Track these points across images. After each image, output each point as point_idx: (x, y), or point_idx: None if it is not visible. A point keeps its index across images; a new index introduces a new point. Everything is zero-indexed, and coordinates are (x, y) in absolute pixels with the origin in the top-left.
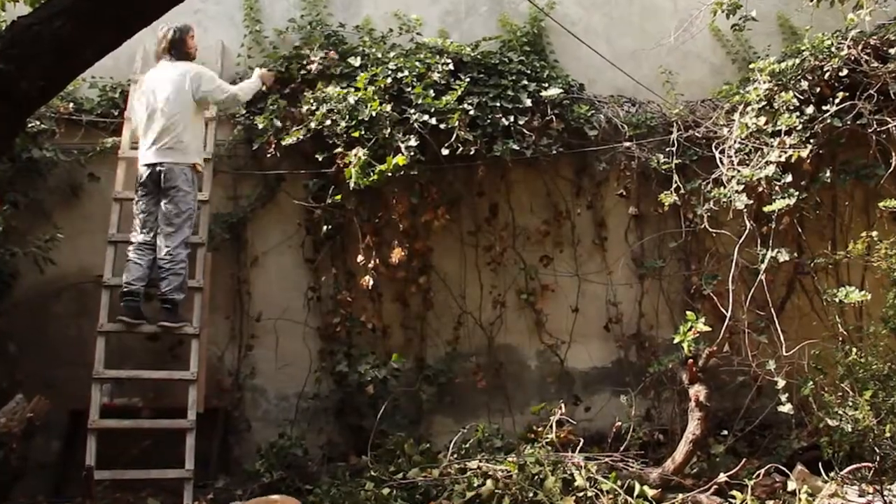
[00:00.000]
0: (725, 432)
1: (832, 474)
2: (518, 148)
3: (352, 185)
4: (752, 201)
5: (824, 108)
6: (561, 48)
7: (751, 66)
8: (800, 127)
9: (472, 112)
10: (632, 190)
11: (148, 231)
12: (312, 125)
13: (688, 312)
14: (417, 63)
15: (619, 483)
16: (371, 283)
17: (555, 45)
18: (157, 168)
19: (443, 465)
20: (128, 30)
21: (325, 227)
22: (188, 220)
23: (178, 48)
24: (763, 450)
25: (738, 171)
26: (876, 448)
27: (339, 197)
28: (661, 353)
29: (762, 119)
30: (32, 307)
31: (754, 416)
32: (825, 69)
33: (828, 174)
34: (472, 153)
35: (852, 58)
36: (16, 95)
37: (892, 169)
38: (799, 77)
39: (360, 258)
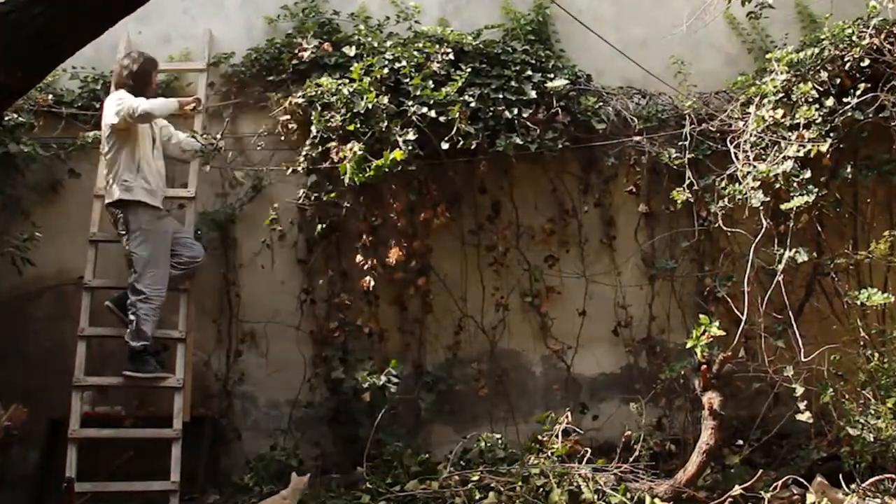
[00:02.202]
0: (741, 442)
1: (853, 486)
2: (522, 142)
3: (347, 181)
4: (768, 198)
5: (845, 100)
6: (567, 37)
7: (767, 55)
8: (819, 120)
9: (473, 104)
10: (642, 186)
11: None
12: (314, 129)
13: (701, 316)
14: (416, 53)
15: (628, 496)
16: (371, 284)
17: (561, 33)
18: (108, 208)
19: (443, 477)
20: (110, 18)
21: (318, 226)
22: (133, 263)
23: (142, 84)
24: (780, 460)
25: (754, 167)
26: None
27: (333, 194)
28: (673, 358)
29: (779, 112)
30: (9, 310)
31: (771, 424)
32: (846, 59)
33: (849, 170)
34: (473, 148)
35: (875, 47)
36: None
37: None
38: (818, 67)
39: (358, 258)
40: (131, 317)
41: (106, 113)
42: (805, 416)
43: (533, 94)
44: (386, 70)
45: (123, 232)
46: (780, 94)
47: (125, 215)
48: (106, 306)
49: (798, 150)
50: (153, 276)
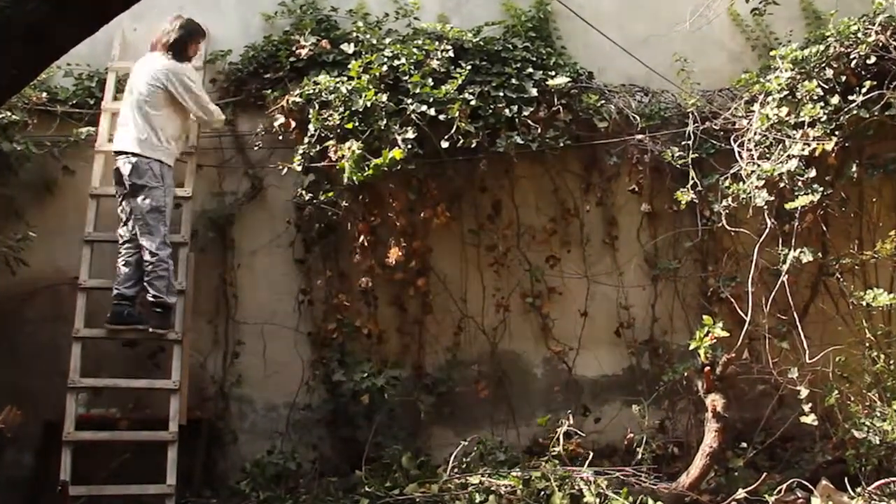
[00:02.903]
0: (745, 445)
1: (859, 490)
2: (523, 141)
3: (345, 180)
4: (773, 198)
5: (850, 97)
6: (569, 34)
7: (772, 53)
8: (824, 118)
9: (473, 102)
10: (644, 185)
11: (126, 225)
12: (311, 128)
13: (704, 317)
14: (415, 50)
15: (630, 499)
16: (369, 284)
17: (562, 30)
18: (124, 159)
19: (442, 481)
20: (105, 14)
21: (316, 226)
22: (160, 216)
23: (179, 50)
24: (785, 464)
25: (759, 166)
26: None
27: (331, 193)
28: (676, 360)
29: (784, 110)
30: (3, 311)
31: (775, 427)
32: (851, 56)
33: (854, 168)
34: (473, 146)
35: (880, 44)
36: None
37: None
38: (823, 65)
39: (356, 258)
40: (157, 278)
41: (158, 75)
42: (810, 419)
43: (534, 91)
44: (385, 67)
45: (157, 185)
46: (785, 92)
47: (151, 169)
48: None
49: (803, 149)
50: (167, 227)
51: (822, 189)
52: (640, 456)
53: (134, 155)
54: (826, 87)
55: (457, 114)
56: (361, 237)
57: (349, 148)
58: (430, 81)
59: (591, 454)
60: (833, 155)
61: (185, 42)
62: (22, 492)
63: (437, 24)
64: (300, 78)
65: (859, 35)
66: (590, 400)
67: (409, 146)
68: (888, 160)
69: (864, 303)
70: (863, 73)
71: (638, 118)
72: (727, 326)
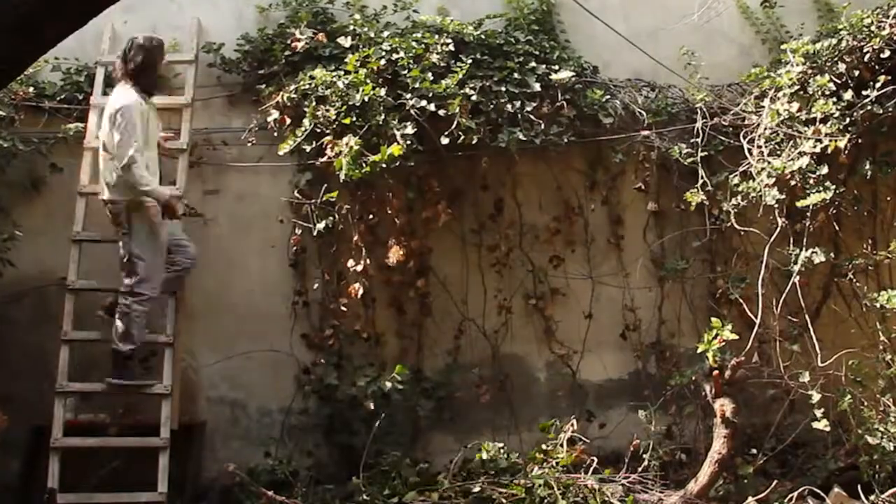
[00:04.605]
0: (754, 451)
1: (872, 497)
2: (525, 137)
3: (342, 177)
4: (784, 196)
5: (864, 93)
6: (573, 27)
7: (783, 46)
8: (837, 114)
9: (474, 97)
10: (651, 183)
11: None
12: (306, 122)
13: (713, 319)
14: (414, 43)
15: None
16: (360, 292)
17: (566, 23)
18: (106, 205)
19: (442, 488)
20: (95, 7)
21: (312, 226)
22: (133, 265)
23: (144, 77)
24: (796, 470)
25: (769, 163)
26: None
27: (335, 194)
28: (684, 363)
29: (795, 105)
30: None
31: (786, 433)
32: (865, 50)
33: (867, 166)
34: (474, 143)
35: (894, 38)
36: None
37: None
38: (836, 59)
39: (351, 260)
40: (119, 321)
41: (109, 112)
42: (822, 424)
43: (537, 86)
44: (383, 61)
45: (125, 231)
46: (796, 87)
47: (129, 214)
48: (98, 316)
49: (815, 146)
50: (155, 277)
51: (834, 187)
52: (646, 463)
53: (112, 202)
54: (838, 81)
55: (457, 109)
56: (358, 237)
57: (346, 144)
58: (429, 76)
59: (596, 461)
60: (846, 152)
61: (148, 66)
62: (9, 499)
63: (436, 16)
64: (295, 72)
65: (873, 28)
66: (594, 405)
67: (408, 142)
68: None
69: (877, 304)
70: (876, 67)
71: (644, 114)
72: (736, 329)
